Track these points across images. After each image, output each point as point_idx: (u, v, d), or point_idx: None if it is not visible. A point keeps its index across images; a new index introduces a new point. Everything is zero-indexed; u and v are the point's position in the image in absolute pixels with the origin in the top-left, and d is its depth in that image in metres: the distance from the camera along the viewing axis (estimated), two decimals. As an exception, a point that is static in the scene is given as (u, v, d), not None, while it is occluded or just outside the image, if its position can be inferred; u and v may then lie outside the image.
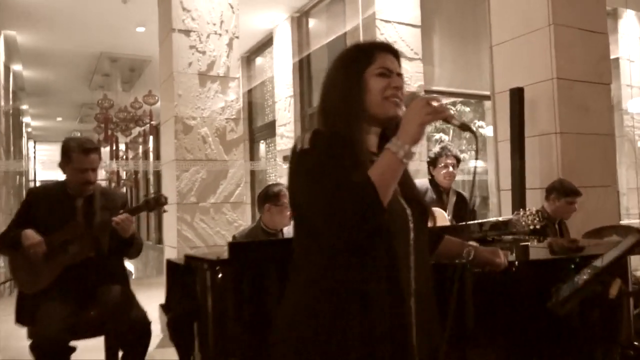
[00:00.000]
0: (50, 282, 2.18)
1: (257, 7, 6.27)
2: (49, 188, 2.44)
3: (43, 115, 13.05)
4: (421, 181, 3.22)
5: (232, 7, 4.39)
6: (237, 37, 4.41)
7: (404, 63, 5.01)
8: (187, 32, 4.20)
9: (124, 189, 9.92)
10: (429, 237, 1.39)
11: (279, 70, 7.02)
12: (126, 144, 9.40)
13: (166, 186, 4.44)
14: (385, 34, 5.03)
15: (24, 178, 12.65)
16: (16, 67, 8.86)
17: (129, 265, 7.99)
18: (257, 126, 8.22)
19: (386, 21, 5.14)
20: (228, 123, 4.33)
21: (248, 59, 8.20)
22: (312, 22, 6.68)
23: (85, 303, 2.25)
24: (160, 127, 5.30)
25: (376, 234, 1.16)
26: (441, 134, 8.63)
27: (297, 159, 1.21)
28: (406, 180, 1.32)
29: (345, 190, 1.10)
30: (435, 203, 3.03)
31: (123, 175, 9.26)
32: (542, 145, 3.56)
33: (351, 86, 1.27)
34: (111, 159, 8.32)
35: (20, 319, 2.26)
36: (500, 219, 2.68)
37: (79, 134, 13.16)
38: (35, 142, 16.27)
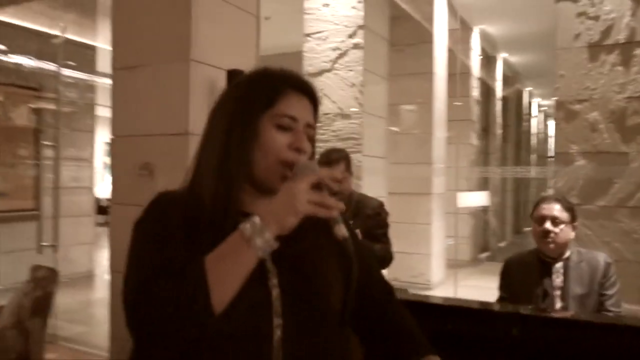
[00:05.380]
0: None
1: None
2: None
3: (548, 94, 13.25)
4: None
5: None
6: (650, -15, 3.26)
7: None
8: (574, -2, 3.46)
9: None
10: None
11: None
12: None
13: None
14: None
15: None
16: (503, 55, 9.44)
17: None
18: None
19: None
20: (630, 104, 3.30)
21: None
22: None
23: None
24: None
25: (203, 340, 0.81)
26: None
27: (131, 234, 0.91)
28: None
29: (163, 277, 0.80)
30: None
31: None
32: None
33: (236, 132, 0.91)
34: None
35: None
36: None
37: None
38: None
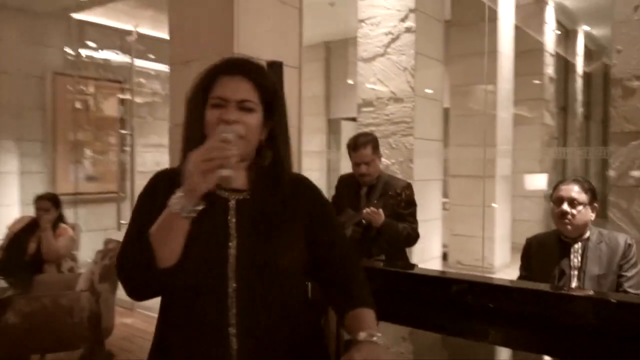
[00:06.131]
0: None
1: None
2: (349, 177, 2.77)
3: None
4: None
5: None
6: None
7: None
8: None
9: None
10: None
11: None
12: None
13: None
14: None
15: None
16: (584, 28, 8.88)
17: None
18: None
19: None
20: (694, 79, 3.10)
21: None
22: None
23: None
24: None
25: (172, 290, 1.07)
26: None
27: None
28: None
29: (130, 242, 1.07)
30: None
31: None
32: None
33: (190, 119, 1.12)
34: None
35: None
36: None
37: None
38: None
